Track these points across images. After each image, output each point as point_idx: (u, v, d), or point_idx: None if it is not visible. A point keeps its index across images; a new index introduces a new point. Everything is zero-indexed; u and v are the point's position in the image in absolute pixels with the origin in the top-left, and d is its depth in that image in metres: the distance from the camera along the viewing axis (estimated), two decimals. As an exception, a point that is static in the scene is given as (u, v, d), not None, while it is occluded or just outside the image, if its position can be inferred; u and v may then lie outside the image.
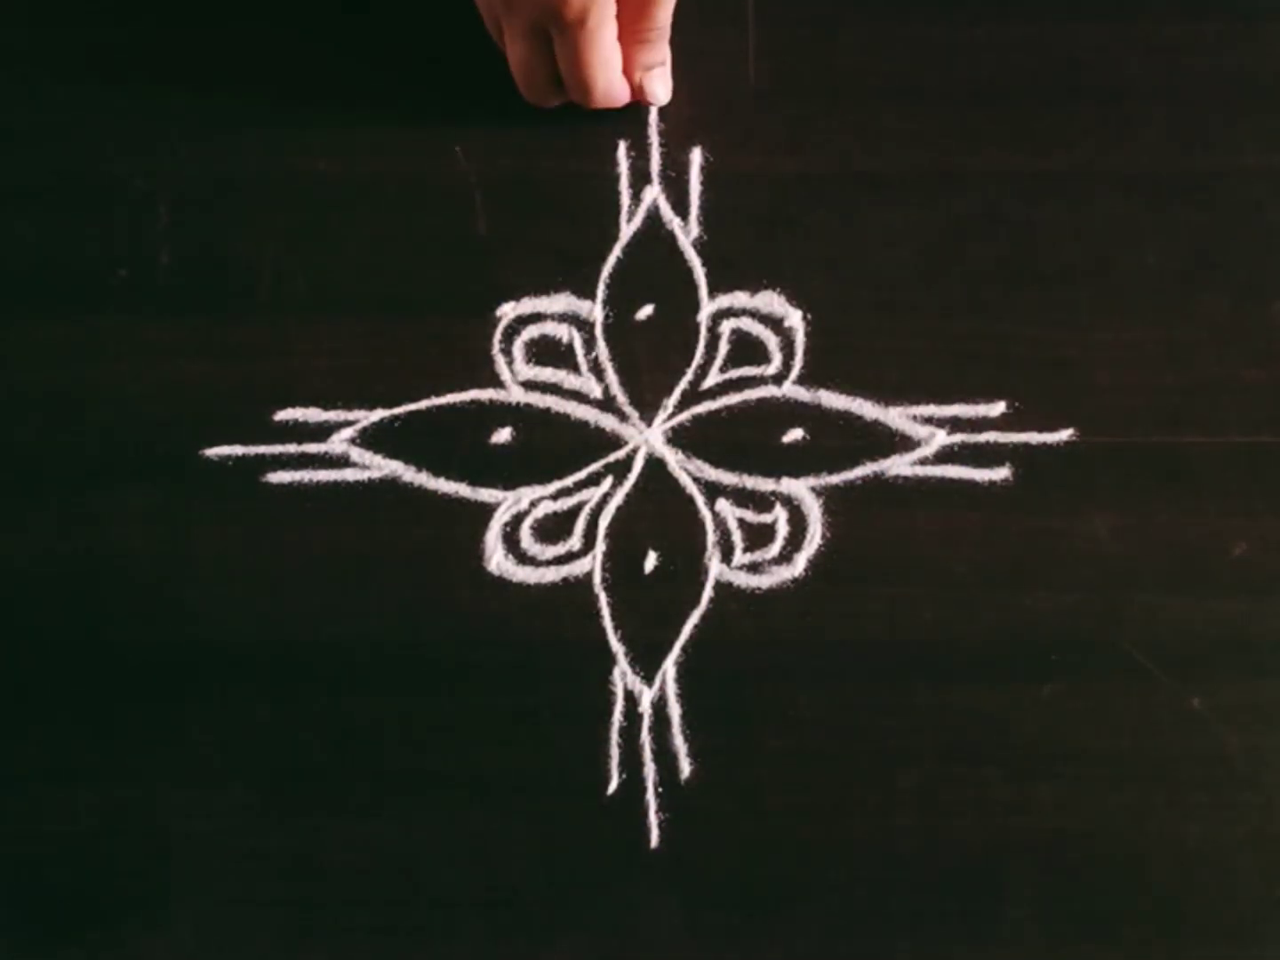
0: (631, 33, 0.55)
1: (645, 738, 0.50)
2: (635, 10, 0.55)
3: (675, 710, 0.51)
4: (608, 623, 0.52)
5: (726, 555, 0.53)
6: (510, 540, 0.53)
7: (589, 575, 0.52)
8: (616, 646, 0.51)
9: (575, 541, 0.53)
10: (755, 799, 0.50)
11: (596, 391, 0.55)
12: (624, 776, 0.50)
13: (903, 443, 0.54)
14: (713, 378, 0.55)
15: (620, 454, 0.54)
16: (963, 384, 0.54)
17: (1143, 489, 0.53)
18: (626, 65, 0.56)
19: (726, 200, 0.57)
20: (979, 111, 0.58)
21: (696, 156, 0.57)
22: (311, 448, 0.54)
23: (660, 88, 0.57)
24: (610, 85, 0.55)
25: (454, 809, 0.50)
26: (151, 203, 0.58)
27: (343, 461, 0.54)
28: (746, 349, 0.55)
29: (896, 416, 0.54)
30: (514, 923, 0.49)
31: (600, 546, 0.53)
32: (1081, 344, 0.55)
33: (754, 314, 0.56)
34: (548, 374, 0.55)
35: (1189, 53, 0.58)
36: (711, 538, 0.53)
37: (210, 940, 0.49)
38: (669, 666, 0.51)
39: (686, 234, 0.56)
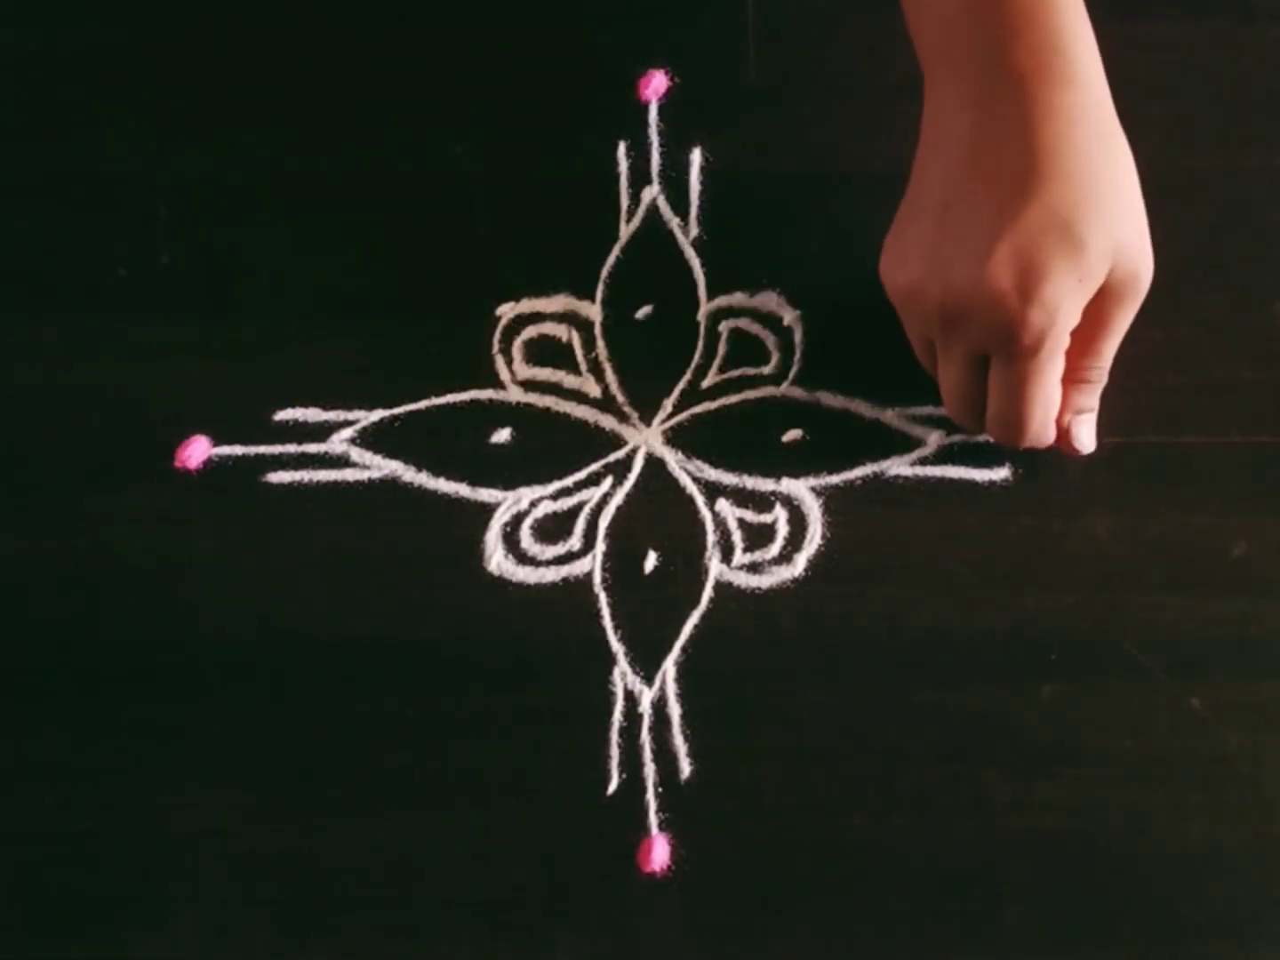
0: (1073, 370, 0.50)
1: (645, 738, 0.50)
2: (1081, 345, 0.49)
3: (675, 710, 0.51)
4: (608, 623, 0.52)
5: (726, 555, 0.53)
6: (510, 540, 0.53)
7: (589, 575, 0.52)
8: (616, 646, 0.51)
9: (575, 541, 0.53)
10: (755, 799, 0.50)
11: (596, 391, 0.55)
12: (624, 776, 0.50)
13: (902, 443, 0.54)
14: (712, 377, 0.55)
15: (620, 454, 0.54)
16: (963, 384, 0.54)
17: (1143, 489, 0.53)
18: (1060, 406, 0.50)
19: (726, 200, 0.57)
20: (979, 111, 0.58)
21: (696, 156, 0.57)
22: (311, 448, 0.54)
23: (1088, 435, 0.51)
24: (1045, 425, 0.49)
25: (454, 809, 0.50)
26: (151, 203, 0.58)
27: (343, 461, 0.54)
28: (745, 349, 0.55)
29: (896, 416, 0.54)
30: (514, 923, 0.49)
31: (600, 546, 0.53)
32: (1081, 344, 0.55)
33: (753, 314, 0.56)
34: (547, 374, 0.55)
35: (1189, 53, 0.58)
36: (711, 538, 0.53)
37: (210, 940, 0.49)
38: (669, 666, 0.51)
39: (686, 234, 0.56)
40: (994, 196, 0.46)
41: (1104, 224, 0.46)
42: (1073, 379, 0.50)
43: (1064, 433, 0.51)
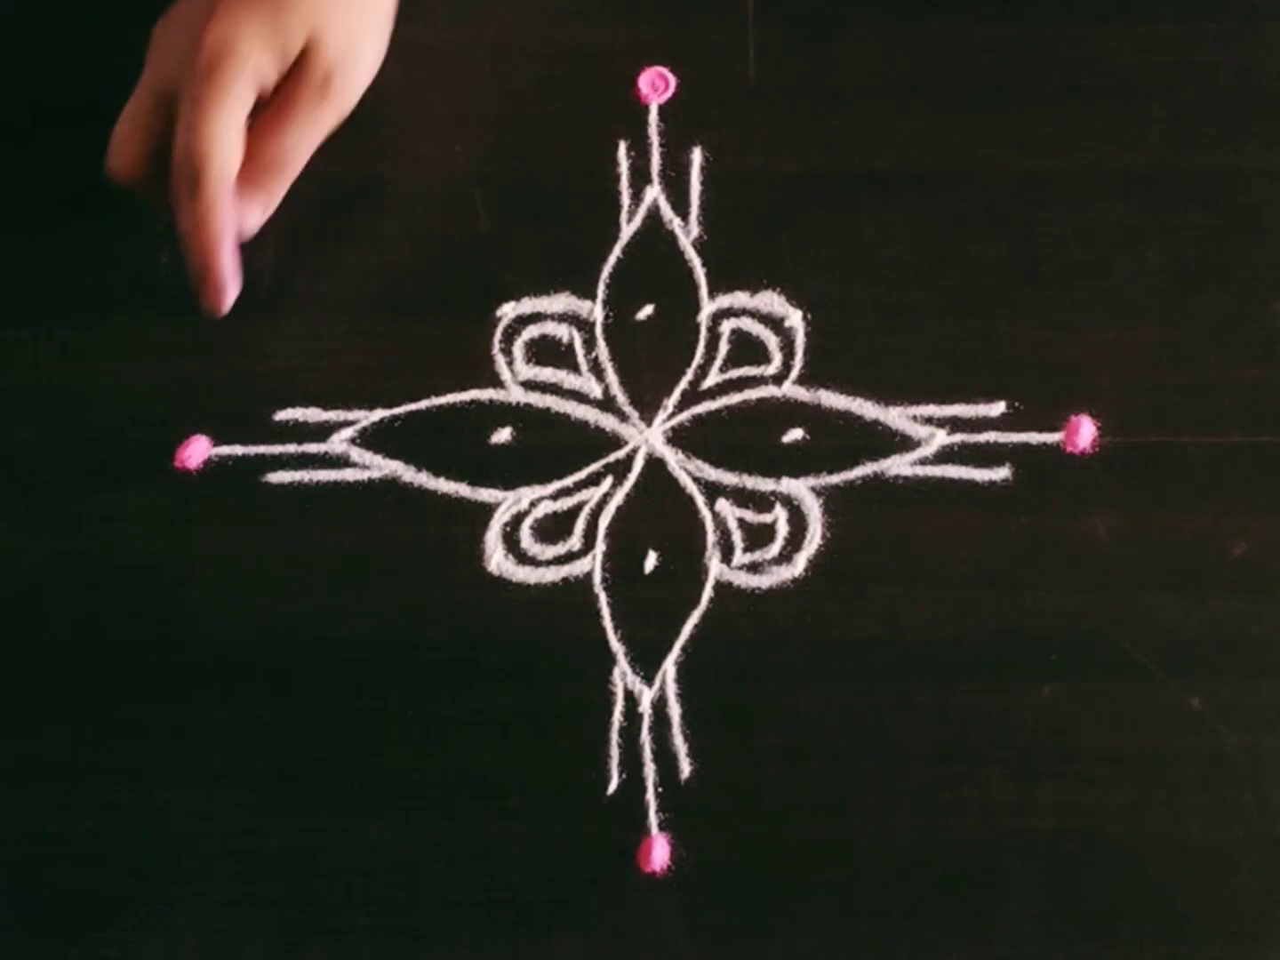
0: (248, 172, 0.52)
1: (645, 738, 0.50)
2: (264, 132, 0.52)
3: (675, 710, 0.51)
4: (608, 623, 0.52)
5: (726, 555, 0.53)
6: (510, 540, 0.53)
7: (589, 575, 0.52)
8: (616, 646, 0.51)
9: (575, 541, 0.53)
10: (755, 799, 0.50)
11: (596, 391, 0.55)
12: (624, 776, 0.50)
13: (903, 443, 0.54)
14: (713, 378, 0.55)
15: (620, 454, 0.54)
16: (963, 384, 0.54)
17: (1143, 489, 0.53)
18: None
19: (726, 200, 0.57)
20: (979, 111, 0.58)
21: (696, 156, 0.57)
22: (311, 448, 0.54)
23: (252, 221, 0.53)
24: (221, 169, 0.50)
25: (454, 809, 0.50)
26: (152, 203, 0.58)
27: (343, 461, 0.54)
28: (746, 349, 0.55)
29: (896, 416, 0.54)
30: (514, 923, 0.49)
31: (600, 546, 0.53)
32: (1081, 344, 0.55)
33: (754, 314, 0.56)
34: (548, 374, 0.55)
35: (1189, 53, 0.58)
36: (711, 538, 0.53)
37: (210, 940, 0.49)
38: (669, 666, 0.51)
39: (686, 234, 0.57)
40: None
41: (312, 8, 0.51)
42: (246, 181, 0.52)
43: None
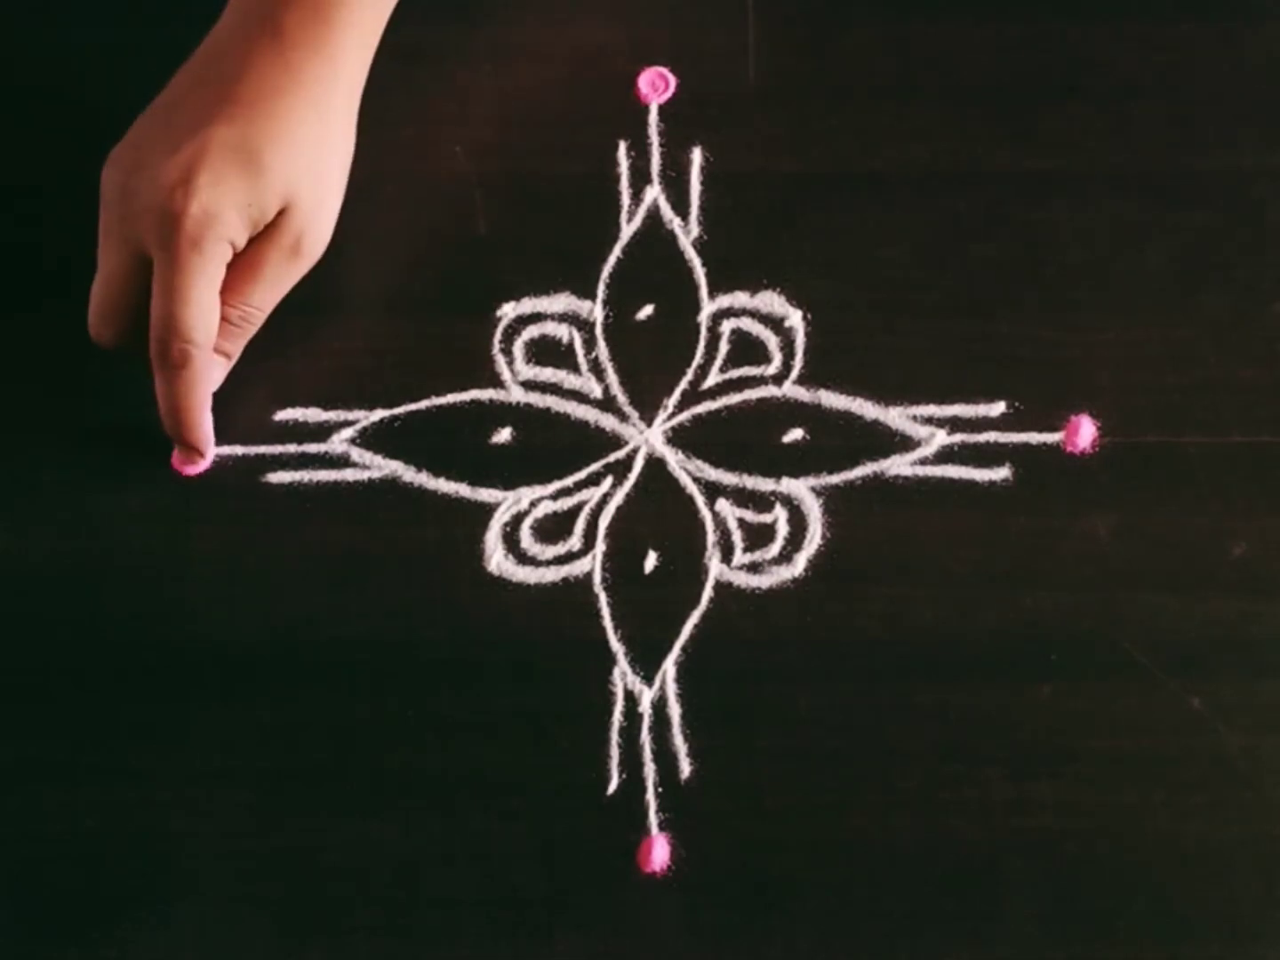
0: (222, 308, 0.51)
1: (645, 738, 0.50)
2: (236, 284, 0.51)
3: (675, 710, 0.51)
4: (608, 623, 0.52)
5: (726, 555, 0.53)
6: (510, 540, 0.53)
7: (589, 575, 0.52)
8: (616, 646, 0.51)
9: (575, 541, 0.53)
10: (755, 799, 0.50)
11: (596, 391, 0.55)
12: (624, 776, 0.50)
13: (903, 443, 0.54)
14: (713, 378, 0.55)
15: (620, 454, 0.54)
16: (963, 384, 0.54)
17: (1143, 489, 0.53)
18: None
19: (726, 200, 0.57)
20: (979, 111, 0.58)
21: (696, 156, 0.57)
22: (311, 448, 0.54)
23: (218, 373, 0.52)
24: (203, 333, 0.50)
25: (454, 809, 0.50)
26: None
27: (343, 461, 0.54)
28: (746, 349, 0.55)
29: (896, 416, 0.54)
30: (514, 923, 0.49)
31: (600, 546, 0.53)
32: (1081, 344, 0.55)
33: (754, 314, 0.56)
34: (548, 374, 0.55)
35: (1189, 53, 0.58)
36: (711, 538, 0.53)
37: (210, 940, 0.49)
38: (669, 666, 0.51)
39: (686, 234, 0.56)
40: (204, 105, 0.50)
41: (287, 167, 0.50)
42: (220, 317, 0.51)
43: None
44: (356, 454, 0.54)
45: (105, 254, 0.51)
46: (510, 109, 0.58)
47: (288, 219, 0.51)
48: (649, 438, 0.54)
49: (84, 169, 0.54)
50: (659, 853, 0.49)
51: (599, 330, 0.55)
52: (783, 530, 0.53)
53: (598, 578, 0.52)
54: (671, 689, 0.51)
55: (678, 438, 0.54)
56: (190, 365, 0.50)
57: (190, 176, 0.49)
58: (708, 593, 0.52)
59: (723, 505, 0.53)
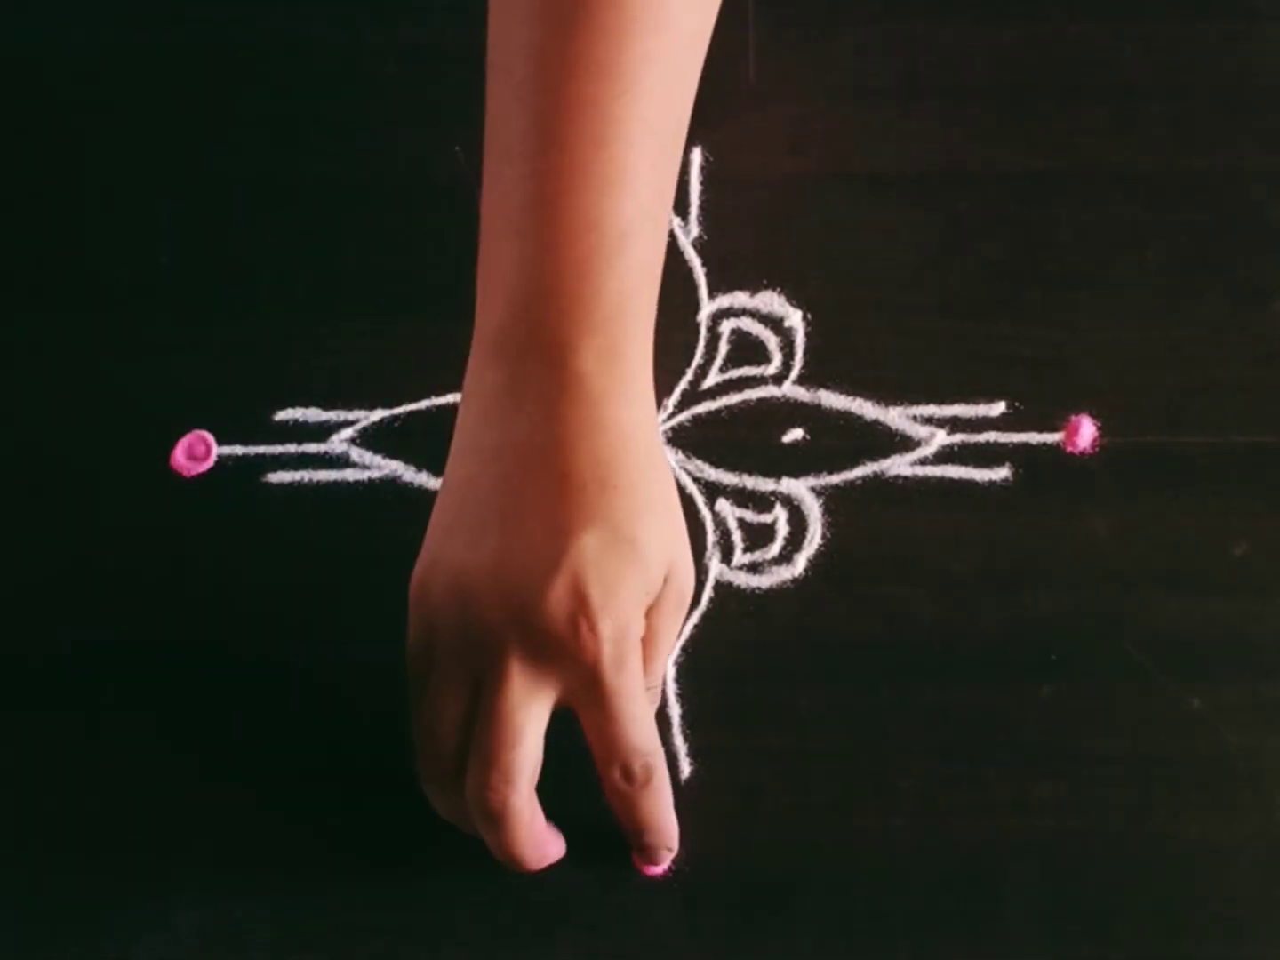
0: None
1: (645, 738, 0.50)
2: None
3: (675, 710, 0.51)
4: (608, 623, 0.52)
5: (726, 555, 0.53)
6: (510, 540, 0.53)
7: (589, 575, 0.52)
8: (617, 647, 0.51)
9: (575, 541, 0.53)
10: (755, 799, 0.50)
11: (596, 391, 0.55)
12: (624, 776, 0.50)
13: (903, 443, 0.54)
14: (713, 378, 0.55)
15: (620, 454, 0.54)
16: (963, 384, 0.54)
17: (1143, 489, 0.53)
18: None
19: (726, 200, 0.57)
20: (979, 111, 0.58)
21: (696, 156, 0.57)
22: (311, 448, 0.54)
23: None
24: (654, 741, 0.46)
25: (454, 809, 0.50)
26: (151, 203, 0.58)
27: (343, 461, 0.54)
28: (746, 349, 0.55)
29: (896, 416, 0.54)
30: (514, 923, 0.49)
31: (600, 546, 0.53)
32: (1081, 344, 0.55)
33: (754, 314, 0.56)
34: (548, 374, 0.55)
35: (1189, 53, 0.58)
36: (711, 538, 0.53)
37: (210, 940, 0.49)
38: (669, 667, 0.51)
39: (686, 234, 0.56)
40: (555, 507, 0.44)
41: (661, 537, 0.45)
42: None
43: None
44: (356, 454, 0.54)
45: (443, 694, 0.45)
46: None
47: (671, 586, 0.46)
48: (649, 438, 0.54)
49: (83, 168, 0.54)
50: (659, 853, 0.49)
51: (599, 330, 0.55)
52: (783, 530, 0.53)
53: (598, 578, 0.52)
54: (671, 689, 0.51)
55: (678, 437, 0.54)
56: (654, 775, 0.46)
57: (584, 603, 0.43)
58: (708, 593, 0.52)
59: (723, 505, 0.53)
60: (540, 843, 0.46)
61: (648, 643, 0.46)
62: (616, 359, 0.45)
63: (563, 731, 0.50)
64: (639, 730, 0.45)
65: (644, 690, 0.45)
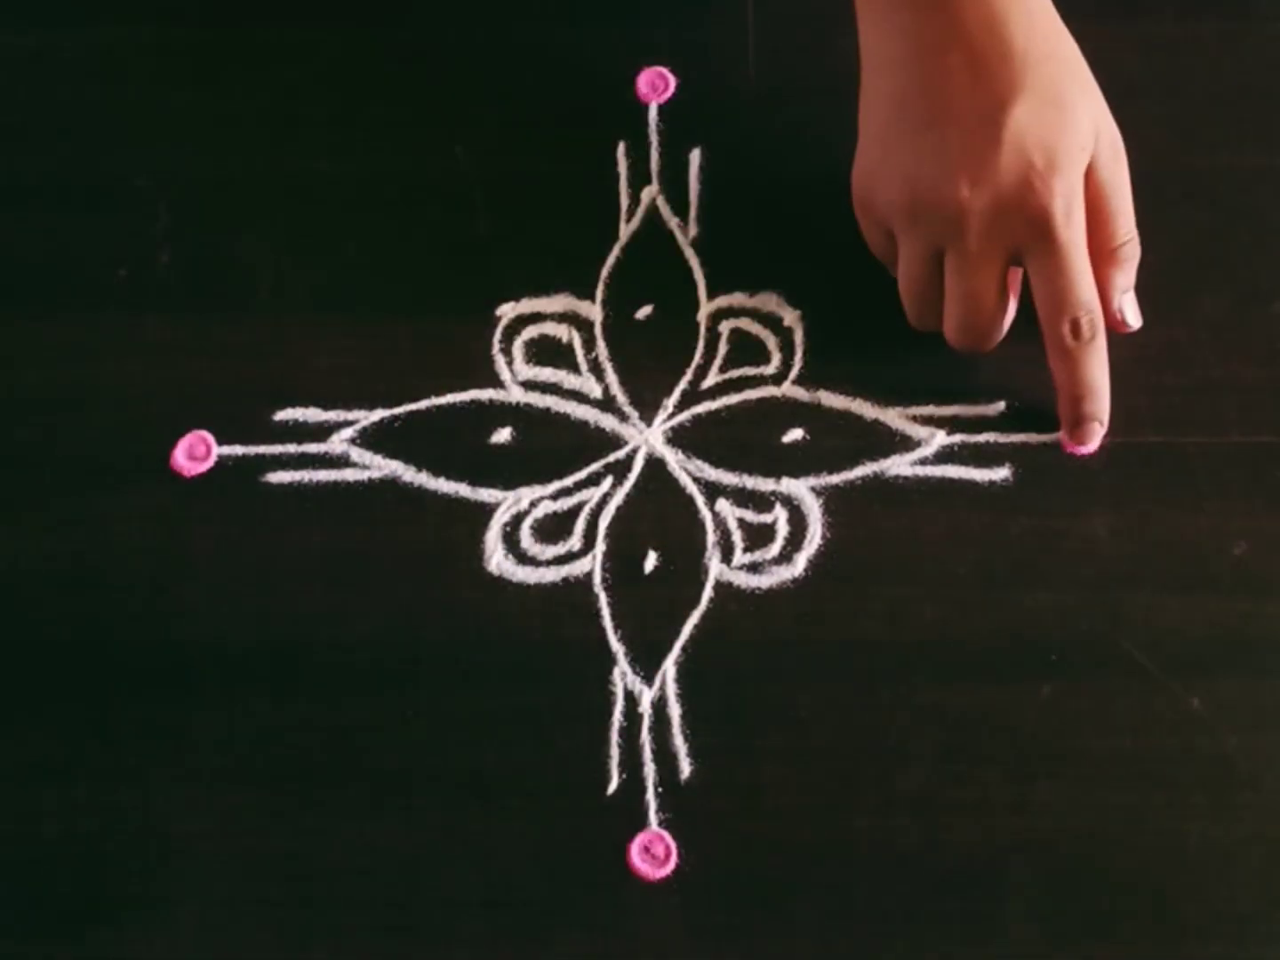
0: (1101, 252, 0.51)
1: (645, 738, 0.50)
2: (1097, 221, 0.50)
3: (675, 710, 0.51)
4: (608, 623, 0.52)
5: (726, 555, 0.53)
6: (510, 540, 0.53)
7: (589, 575, 0.52)
8: (616, 646, 0.51)
9: (575, 541, 0.53)
10: (755, 799, 0.50)
11: (596, 391, 0.55)
12: (624, 776, 0.50)
13: (903, 443, 0.54)
14: (712, 378, 0.55)
15: (620, 454, 0.54)
16: (963, 384, 0.54)
17: (1143, 489, 0.53)
18: (1102, 290, 0.51)
19: (726, 200, 0.57)
20: (979, 111, 0.58)
21: (696, 156, 0.57)
22: (311, 448, 0.54)
23: (1134, 313, 0.53)
24: (1093, 301, 0.50)
25: (454, 809, 0.50)
26: (151, 203, 0.58)
27: (343, 461, 0.54)
28: (746, 349, 0.55)
29: (896, 416, 0.54)
30: (514, 923, 0.49)
31: (600, 546, 0.53)
32: (1081, 344, 0.55)
33: (753, 314, 0.56)
34: (547, 374, 0.55)
35: (1189, 53, 0.58)
36: (711, 538, 0.53)
37: (210, 940, 0.49)
38: (669, 666, 0.51)
39: (686, 234, 0.57)
40: (981, 89, 0.49)
41: (1085, 93, 0.50)
42: (1107, 261, 0.51)
43: (1114, 318, 0.52)
44: (356, 454, 0.54)
45: (908, 262, 0.52)
46: (510, 109, 0.58)
47: (1102, 136, 0.50)
48: (649, 438, 0.54)
49: (82, 168, 0.54)
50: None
51: (598, 330, 0.55)
52: (783, 530, 0.53)
53: (598, 578, 0.52)
54: (671, 689, 0.51)
55: (677, 438, 0.54)
56: (1098, 333, 0.51)
57: (1030, 165, 0.48)
58: (708, 593, 0.52)
59: (723, 505, 0.53)
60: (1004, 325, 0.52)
61: (1104, 197, 0.50)
62: None
63: (563, 733, 0.50)
64: (1084, 284, 0.50)
65: (1085, 252, 0.49)
